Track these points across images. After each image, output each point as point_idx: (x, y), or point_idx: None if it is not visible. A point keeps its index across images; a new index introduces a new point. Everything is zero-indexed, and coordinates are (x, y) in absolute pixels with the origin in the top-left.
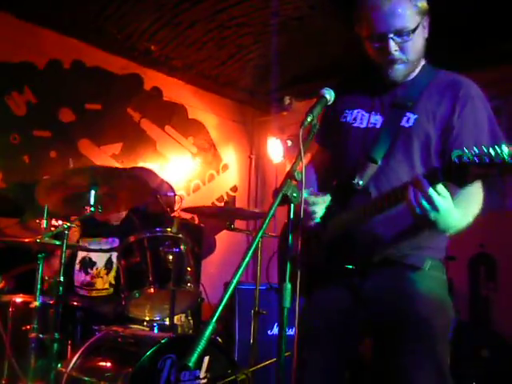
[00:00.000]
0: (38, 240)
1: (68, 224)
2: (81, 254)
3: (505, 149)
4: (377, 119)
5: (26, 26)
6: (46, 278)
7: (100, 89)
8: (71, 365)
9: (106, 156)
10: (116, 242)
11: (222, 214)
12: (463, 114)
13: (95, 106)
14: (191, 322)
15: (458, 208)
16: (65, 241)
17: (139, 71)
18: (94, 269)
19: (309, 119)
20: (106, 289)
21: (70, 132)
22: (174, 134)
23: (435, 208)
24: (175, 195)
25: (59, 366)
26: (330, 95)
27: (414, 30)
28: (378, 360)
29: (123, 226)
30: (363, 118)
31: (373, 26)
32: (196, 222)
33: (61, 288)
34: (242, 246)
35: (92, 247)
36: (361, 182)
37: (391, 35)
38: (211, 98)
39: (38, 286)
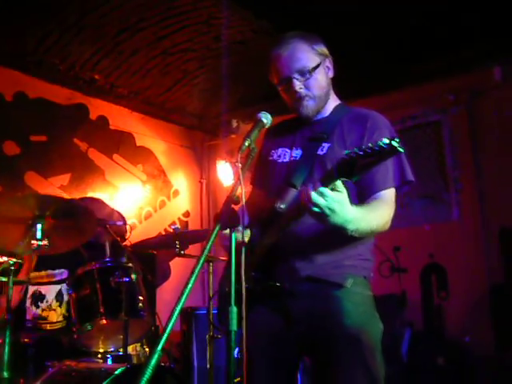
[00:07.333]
0: None
1: (14, 260)
2: (31, 289)
3: (385, 140)
4: (297, 153)
5: None
6: None
7: (45, 120)
8: None
9: (54, 188)
10: (64, 274)
11: (171, 241)
12: (372, 140)
13: (40, 138)
14: (147, 350)
15: (359, 208)
16: (11, 277)
17: (84, 101)
18: (45, 302)
19: (246, 144)
20: (60, 321)
21: (15, 165)
22: (122, 162)
23: (325, 199)
24: (126, 224)
25: None
26: (266, 119)
27: (314, 68)
28: (315, 376)
29: (70, 256)
30: (286, 154)
31: (279, 71)
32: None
33: (9, 325)
34: None
35: (44, 280)
36: (282, 206)
37: (294, 75)
38: (159, 124)
39: None
